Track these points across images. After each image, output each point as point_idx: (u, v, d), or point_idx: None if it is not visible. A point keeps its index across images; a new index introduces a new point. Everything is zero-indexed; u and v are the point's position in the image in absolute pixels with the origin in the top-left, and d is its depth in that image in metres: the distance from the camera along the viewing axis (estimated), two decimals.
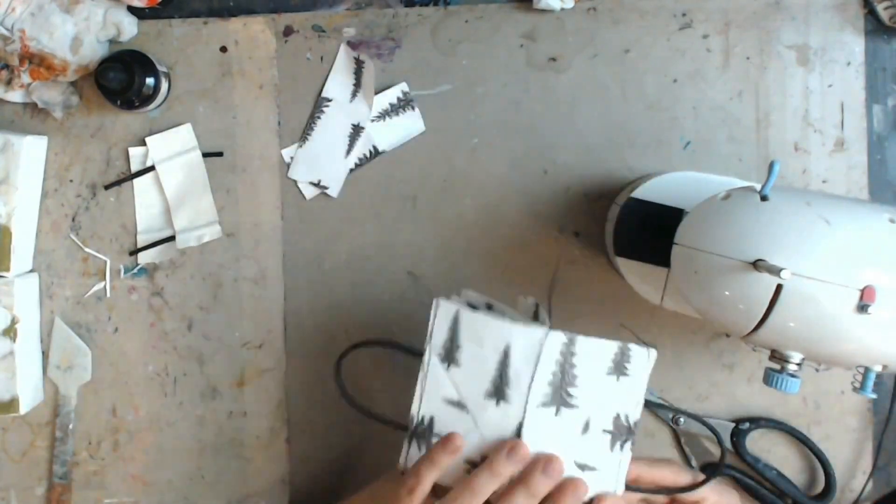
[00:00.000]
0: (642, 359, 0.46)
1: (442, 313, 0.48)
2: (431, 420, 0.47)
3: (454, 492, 0.44)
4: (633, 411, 0.47)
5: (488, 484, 0.43)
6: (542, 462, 0.44)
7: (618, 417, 0.47)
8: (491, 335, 0.47)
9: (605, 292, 0.58)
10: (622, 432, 0.46)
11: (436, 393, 0.48)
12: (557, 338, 0.45)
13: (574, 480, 0.44)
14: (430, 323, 0.48)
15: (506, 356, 0.46)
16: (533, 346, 0.46)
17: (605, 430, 0.46)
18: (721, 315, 0.44)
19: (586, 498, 0.45)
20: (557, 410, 0.45)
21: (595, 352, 0.46)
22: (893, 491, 0.55)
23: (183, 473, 0.61)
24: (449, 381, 0.47)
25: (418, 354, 0.49)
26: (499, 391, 0.47)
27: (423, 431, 0.47)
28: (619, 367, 0.46)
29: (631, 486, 0.48)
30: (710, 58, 0.57)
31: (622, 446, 0.46)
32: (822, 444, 0.57)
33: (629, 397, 0.46)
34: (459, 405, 0.47)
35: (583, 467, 0.46)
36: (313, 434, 0.60)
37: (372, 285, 0.60)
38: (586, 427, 0.46)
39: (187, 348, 0.60)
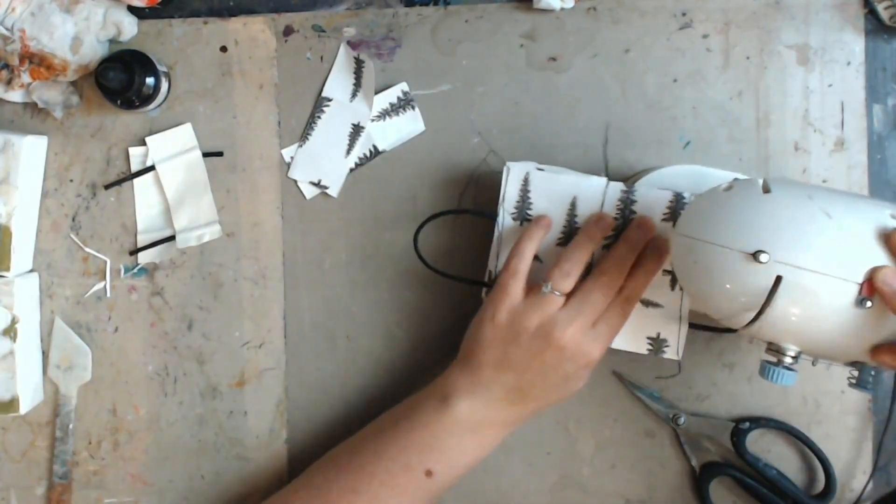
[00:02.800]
0: None
1: (513, 176, 0.53)
2: None
3: (562, 255, 0.50)
4: None
5: (586, 244, 0.50)
6: (636, 220, 0.51)
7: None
8: (559, 189, 0.53)
9: None
10: None
11: (510, 248, 0.52)
12: (617, 186, 0.52)
13: (663, 240, 0.51)
14: (503, 186, 0.53)
15: (573, 207, 0.52)
16: (596, 194, 0.52)
17: (665, 271, 0.52)
18: (719, 306, 0.44)
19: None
20: None
21: (652, 199, 0.51)
22: (893, 491, 0.55)
23: (183, 473, 0.61)
24: None
25: (491, 218, 0.54)
26: (569, 238, 0.53)
27: None
28: (675, 213, 0.51)
29: (694, 324, 0.54)
30: (710, 58, 0.57)
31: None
32: (822, 444, 0.57)
33: None
34: (534, 256, 0.52)
35: (647, 304, 0.53)
36: (313, 434, 0.60)
37: (372, 285, 0.60)
38: None
39: (187, 348, 0.60)
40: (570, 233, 0.53)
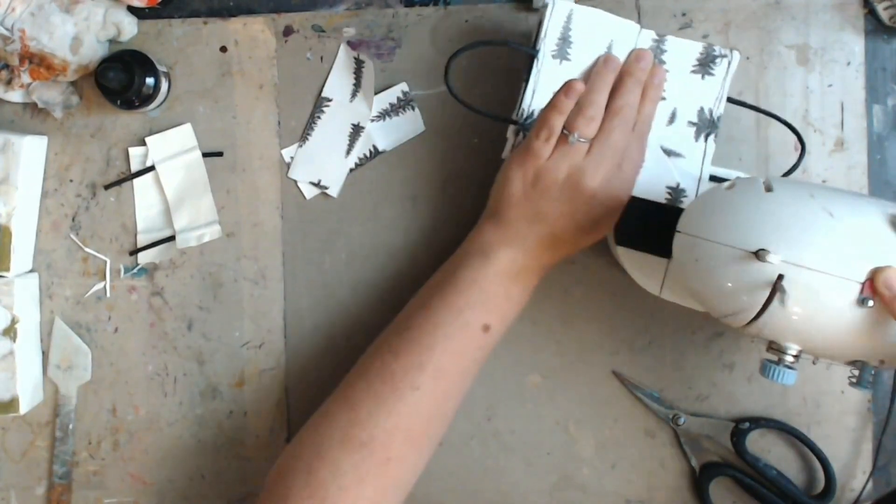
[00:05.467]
0: (725, 60, 0.53)
1: (557, 12, 0.53)
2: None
3: (582, 102, 0.50)
4: (717, 107, 0.54)
5: (602, 87, 0.51)
6: (634, 54, 0.52)
7: (701, 111, 0.53)
8: (598, 29, 0.53)
9: (604, 285, 0.58)
10: (706, 125, 0.54)
11: (547, 88, 0.53)
12: (648, 34, 0.53)
13: (655, 66, 0.52)
14: (545, 22, 0.53)
15: (609, 50, 0.53)
16: (629, 39, 0.53)
17: (689, 122, 0.53)
18: (720, 304, 0.44)
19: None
20: None
21: (682, 50, 0.53)
22: (893, 491, 0.55)
23: (183, 473, 0.61)
24: (559, 76, 0.52)
25: (531, 53, 0.53)
26: None
27: (531, 125, 0.52)
28: (705, 66, 0.53)
29: (714, 177, 0.54)
30: None
31: (706, 138, 0.53)
32: (821, 444, 0.57)
33: (712, 93, 0.53)
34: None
35: (669, 153, 0.53)
36: None
37: (372, 285, 0.60)
38: (672, 117, 0.53)
39: (187, 348, 0.60)
40: None
